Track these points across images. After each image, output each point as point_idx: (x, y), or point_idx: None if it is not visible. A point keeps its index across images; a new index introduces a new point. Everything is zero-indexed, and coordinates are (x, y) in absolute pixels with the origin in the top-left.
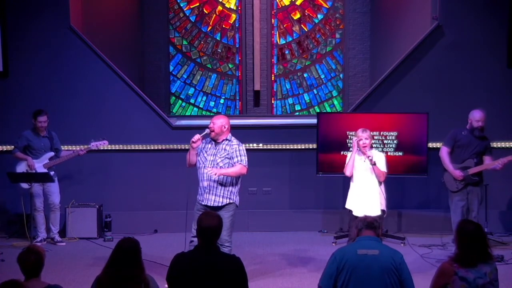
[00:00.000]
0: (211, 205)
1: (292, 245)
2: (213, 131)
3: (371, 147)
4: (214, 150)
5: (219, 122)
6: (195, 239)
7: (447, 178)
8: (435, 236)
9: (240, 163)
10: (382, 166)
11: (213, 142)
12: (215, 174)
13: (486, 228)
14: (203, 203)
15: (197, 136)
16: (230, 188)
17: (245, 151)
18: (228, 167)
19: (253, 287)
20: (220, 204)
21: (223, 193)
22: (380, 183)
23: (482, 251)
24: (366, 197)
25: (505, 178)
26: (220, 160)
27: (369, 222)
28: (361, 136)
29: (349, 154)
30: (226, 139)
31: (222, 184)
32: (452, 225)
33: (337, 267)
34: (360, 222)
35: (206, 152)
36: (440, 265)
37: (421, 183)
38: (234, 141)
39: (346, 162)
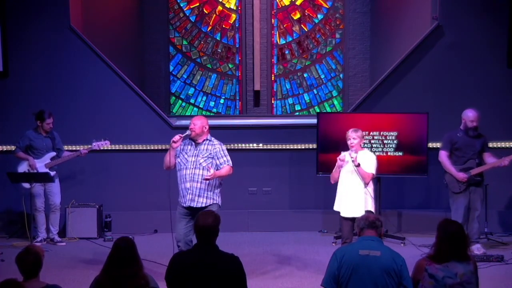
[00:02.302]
0: (195, 206)
1: (292, 245)
2: (194, 131)
3: (363, 147)
4: (195, 151)
5: (200, 123)
6: (181, 244)
7: (449, 180)
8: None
9: (227, 164)
10: (369, 167)
11: (193, 143)
12: (210, 178)
13: (486, 228)
14: (185, 205)
15: (177, 137)
16: (213, 188)
17: (227, 151)
18: (211, 167)
19: (253, 287)
20: (203, 205)
21: (206, 194)
22: (365, 184)
23: (459, 251)
24: (351, 198)
25: (505, 178)
26: (203, 160)
27: (371, 222)
28: (350, 135)
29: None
30: (207, 139)
31: (205, 184)
32: None
33: (338, 266)
34: (362, 221)
35: (186, 153)
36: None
37: (421, 183)
38: (215, 141)
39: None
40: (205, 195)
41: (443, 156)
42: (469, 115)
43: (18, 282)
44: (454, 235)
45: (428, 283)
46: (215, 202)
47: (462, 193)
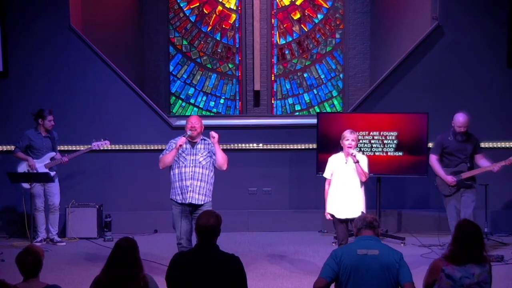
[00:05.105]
0: (195, 203)
1: (292, 245)
2: (196, 130)
3: (360, 150)
4: (192, 150)
5: (199, 122)
6: (182, 241)
7: (439, 182)
8: (435, 236)
9: None
10: (364, 167)
11: (189, 142)
12: (215, 138)
13: (486, 228)
14: (186, 202)
15: (184, 139)
16: (210, 186)
17: None
18: (209, 165)
19: (253, 287)
20: (202, 202)
21: (205, 192)
22: (361, 184)
23: (475, 253)
24: (347, 199)
25: (505, 178)
26: (203, 159)
27: (368, 222)
28: (348, 137)
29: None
30: (203, 138)
31: (204, 182)
32: (449, 227)
33: (337, 266)
34: (360, 221)
35: (183, 152)
36: (431, 262)
37: (421, 183)
38: (208, 139)
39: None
40: (204, 192)
41: (433, 160)
42: (458, 120)
43: (6, 283)
44: (470, 236)
45: (445, 283)
46: (210, 199)
47: (452, 195)
